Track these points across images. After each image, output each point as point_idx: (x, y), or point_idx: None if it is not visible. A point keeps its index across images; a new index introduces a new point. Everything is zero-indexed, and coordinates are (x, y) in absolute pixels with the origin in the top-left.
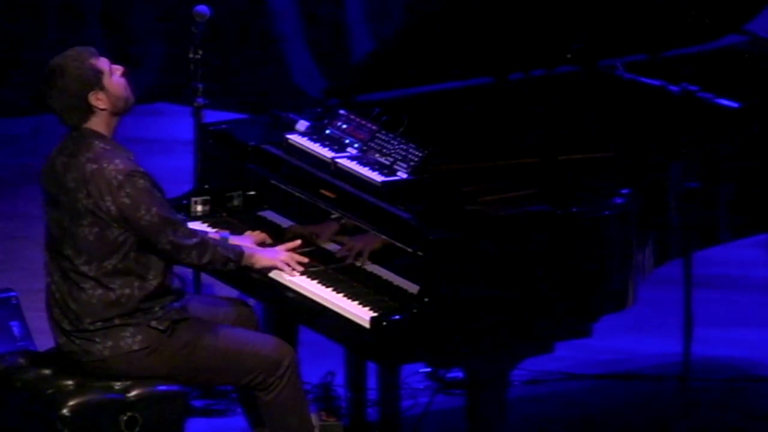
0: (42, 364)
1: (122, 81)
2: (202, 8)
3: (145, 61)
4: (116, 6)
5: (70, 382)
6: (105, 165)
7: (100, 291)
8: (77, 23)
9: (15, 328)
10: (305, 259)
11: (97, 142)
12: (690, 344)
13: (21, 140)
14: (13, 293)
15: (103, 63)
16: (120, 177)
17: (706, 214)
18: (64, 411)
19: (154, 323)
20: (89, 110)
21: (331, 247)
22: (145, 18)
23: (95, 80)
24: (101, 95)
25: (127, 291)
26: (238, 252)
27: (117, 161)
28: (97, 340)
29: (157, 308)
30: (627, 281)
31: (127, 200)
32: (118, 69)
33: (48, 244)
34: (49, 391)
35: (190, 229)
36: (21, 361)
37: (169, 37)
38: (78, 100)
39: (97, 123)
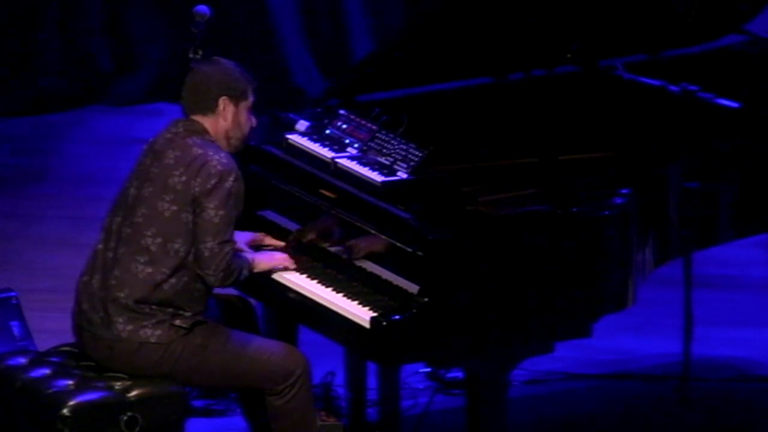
0: (42, 364)
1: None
2: (202, 8)
3: (145, 61)
4: (116, 6)
5: (70, 382)
6: (211, 154)
7: (150, 269)
8: (77, 24)
9: (15, 328)
10: (301, 259)
11: (206, 135)
12: (690, 344)
13: (21, 140)
14: (13, 293)
15: (252, 97)
16: (219, 168)
17: (706, 214)
18: (64, 411)
19: (178, 322)
20: (212, 109)
21: (331, 247)
22: (145, 18)
23: (236, 92)
24: (230, 108)
25: (173, 281)
26: (248, 264)
27: (222, 155)
28: (120, 320)
29: (188, 313)
30: (627, 281)
31: (209, 188)
32: (253, 118)
33: (115, 209)
34: (49, 391)
35: (233, 255)
36: (21, 361)
37: (169, 37)
38: (210, 93)
39: (211, 125)
